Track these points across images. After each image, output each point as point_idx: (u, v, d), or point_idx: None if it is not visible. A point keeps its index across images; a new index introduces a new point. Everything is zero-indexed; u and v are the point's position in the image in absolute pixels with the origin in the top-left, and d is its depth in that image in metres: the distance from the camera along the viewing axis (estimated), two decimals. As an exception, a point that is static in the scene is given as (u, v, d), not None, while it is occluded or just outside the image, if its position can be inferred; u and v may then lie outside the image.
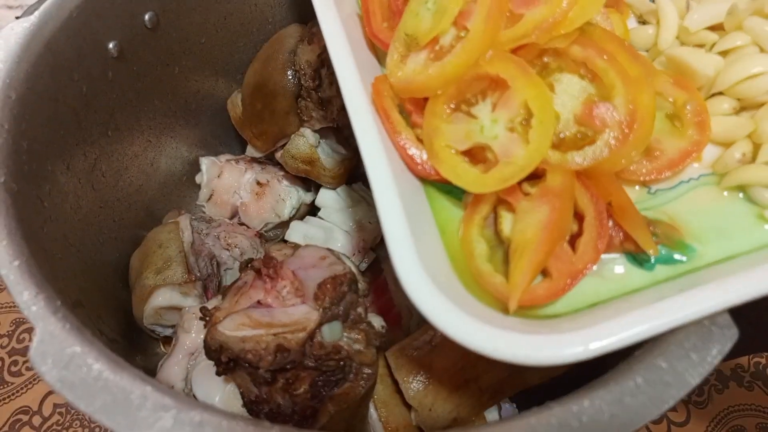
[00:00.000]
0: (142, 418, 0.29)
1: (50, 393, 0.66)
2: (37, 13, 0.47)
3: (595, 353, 0.29)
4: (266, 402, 0.43)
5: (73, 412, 0.66)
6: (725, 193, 0.37)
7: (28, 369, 0.68)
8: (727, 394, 0.66)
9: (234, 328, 0.41)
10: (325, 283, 0.43)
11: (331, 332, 0.42)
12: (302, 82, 0.60)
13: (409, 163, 0.37)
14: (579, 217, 0.35)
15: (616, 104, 0.35)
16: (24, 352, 0.70)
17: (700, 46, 0.43)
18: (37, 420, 0.65)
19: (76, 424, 0.65)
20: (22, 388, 0.67)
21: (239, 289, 0.46)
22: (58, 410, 0.66)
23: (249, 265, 0.48)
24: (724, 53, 0.41)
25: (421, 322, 0.53)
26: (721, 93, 0.40)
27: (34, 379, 0.68)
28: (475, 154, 0.36)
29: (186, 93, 0.66)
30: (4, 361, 0.69)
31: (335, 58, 0.39)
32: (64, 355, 0.31)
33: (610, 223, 0.35)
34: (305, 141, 0.62)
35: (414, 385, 0.45)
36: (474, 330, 0.29)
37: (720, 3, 0.42)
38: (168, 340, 0.60)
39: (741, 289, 0.31)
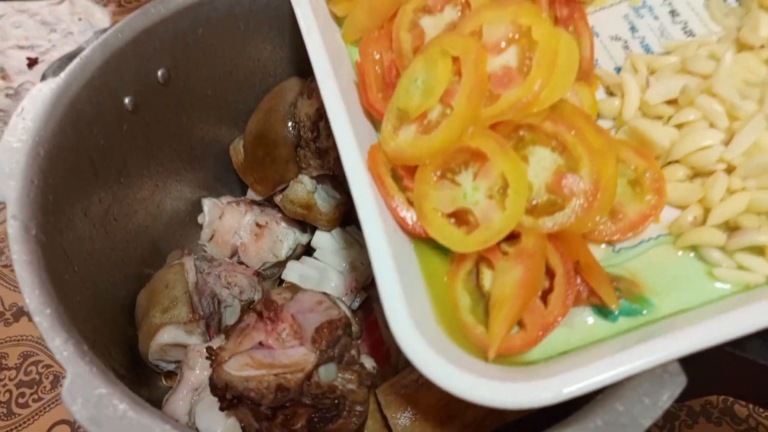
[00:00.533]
0: (162, 454, 0.33)
1: (56, 424, 0.69)
2: (62, 74, 0.51)
3: (566, 397, 0.33)
4: (266, 436, 0.46)
5: (77, 442, 0.68)
6: (680, 252, 0.41)
7: (35, 401, 0.71)
8: (697, 430, 0.69)
9: (238, 369, 0.45)
10: (321, 328, 0.47)
11: (327, 373, 0.46)
12: (301, 133, 0.65)
13: (401, 224, 0.41)
14: (550, 274, 0.39)
15: (583, 175, 0.40)
16: (31, 384, 0.72)
17: (659, 118, 0.48)
18: (43, 451, 0.67)
19: (79, 455, 0.67)
20: (29, 419, 0.69)
21: (242, 331, 0.49)
22: (63, 441, 0.68)
23: (251, 308, 0.52)
24: (679, 126, 0.46)
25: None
26: (677, 161, 0.45)
27: (41, 411, 0.70)
28: (460, 216, 0.41)
29: (192, 139, 0.70)
30: (11, 393, 0.71)
31: (336, 128, 0.43)
32: (93, 396, 0.35)
33: (578, 280, 0.40)
34: (303, 187, 0.67)
35: (401, 421, 0.48)
36: (459, 380, 0.32)
37: (675, 80, 0.47)
38: (170, 375, 0.63)
39: (692, 340, 0.34)
